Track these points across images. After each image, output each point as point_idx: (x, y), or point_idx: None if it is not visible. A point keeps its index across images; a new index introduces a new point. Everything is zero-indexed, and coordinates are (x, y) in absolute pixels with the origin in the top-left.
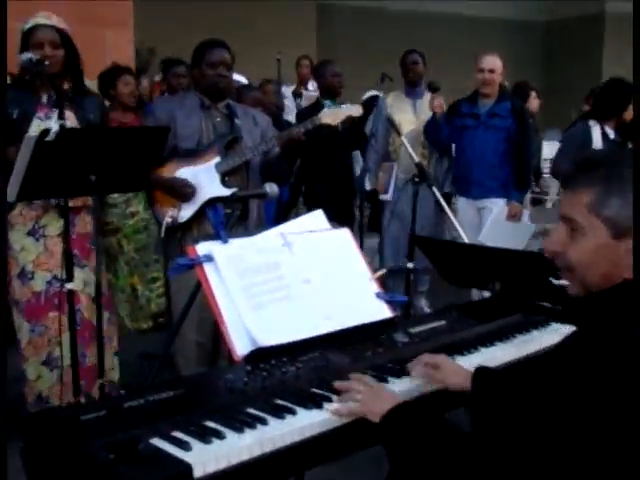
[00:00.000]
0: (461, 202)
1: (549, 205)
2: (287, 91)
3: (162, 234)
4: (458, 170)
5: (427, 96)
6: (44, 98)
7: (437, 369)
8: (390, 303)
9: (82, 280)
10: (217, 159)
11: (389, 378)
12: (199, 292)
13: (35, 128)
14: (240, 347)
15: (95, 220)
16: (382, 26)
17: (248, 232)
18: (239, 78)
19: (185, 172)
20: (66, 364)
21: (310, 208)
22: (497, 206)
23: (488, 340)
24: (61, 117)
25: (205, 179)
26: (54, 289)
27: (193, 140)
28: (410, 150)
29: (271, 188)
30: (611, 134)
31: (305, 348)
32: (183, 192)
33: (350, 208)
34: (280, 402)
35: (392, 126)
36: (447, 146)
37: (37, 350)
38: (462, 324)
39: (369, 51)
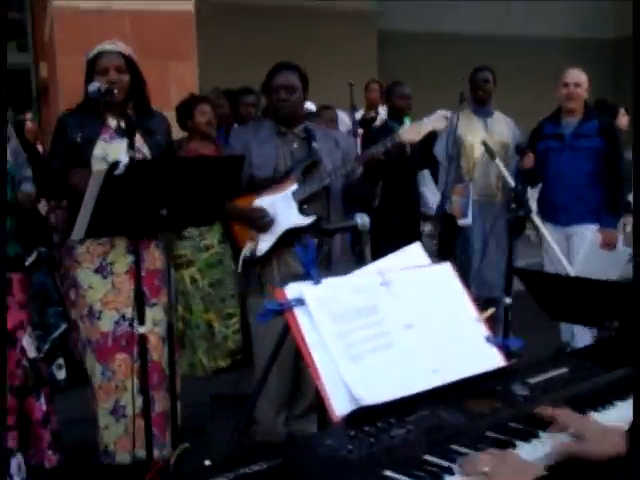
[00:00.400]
0: (548, 228)
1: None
2: (344, 116)
3: (239, 269)
4: (544, 195)
5: (497, 115)
6: (111, 122)
7: (579, 436)
8: (503, 348)
9: (151, 320)
10: (294, 186)
11: (517, 442)
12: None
13: (99, 150)
14: (339, 406)
15: (166, 255)
16: (443, 50)
17: (332, 266)
18: (309, 105)
19: (262, 202)
20: (131, 412)
21: (375, 236)
22: (588, 232)
23: (623, 392)
24: (131, 147)
25: (282, 208)
26: (122, 329)
27: (269, 168)
28: (506, 174)
29: (362, 220)
30: None
31: (412, 406)
32: (260, 223)
33: (418, 234)
34: (391, 474)
35: (487, 150)
36: (537, 174)
37: (107, 396)
38: (587, 372)
39: (430, 75)
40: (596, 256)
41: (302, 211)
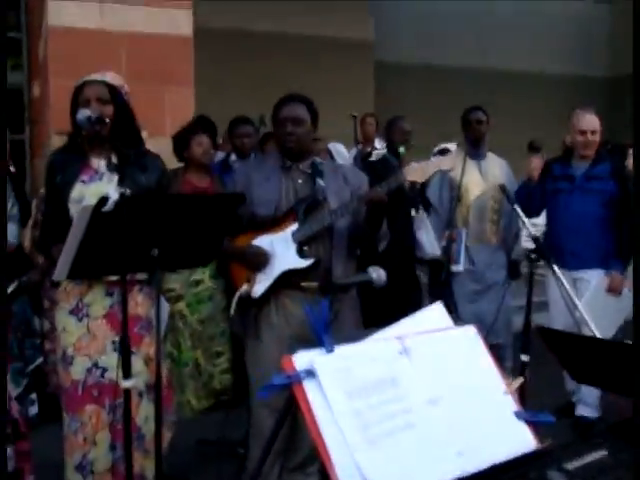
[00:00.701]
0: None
1: None
2: (342, 150)
3: (232, 310)
4: (550, 237)
5: (490, 157)
6: (93, 162)
7: None
8: (533, 424)
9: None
10: (294, 226)
11: None
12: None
13: (76, 193)
14: None
15: (156, 299)
16: (442, 82)
17: (339, 327)
18: None
19: (261, 241)
20: (102, 469)
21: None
22: (596, 278)
23: None
24: (121, 183)
25: (281, 249)
26: (93, 379)
27: (270, 206)
28: (526, 221)
29: (377, 274)
30: None
31: None
32: (255, 260)
33: (414, 276)
34: None
35: (505, 194)
36: (539, 212)
37: (72, 450)
38: (626, 455)
39: (428, 108)
40: (600, 300)
41: (301, 253)
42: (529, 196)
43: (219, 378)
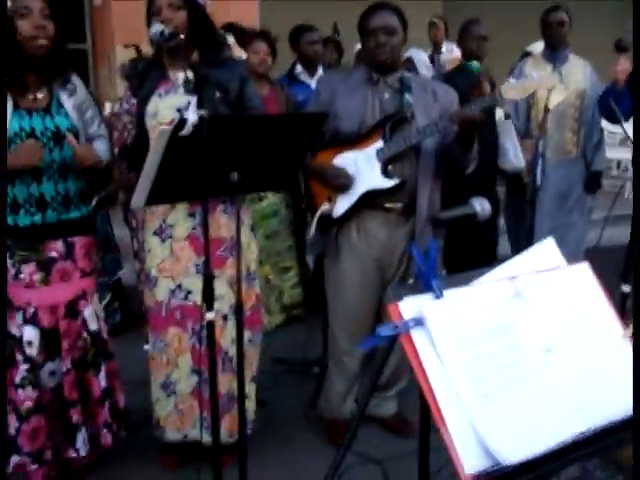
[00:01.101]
0: None
1: None
2: (422, 56)
3: (312, 230)
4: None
5: (573, 59)
6: (171, 74)
7: None
8: None
9: None
10: (379, 144)
11: None
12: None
13: (151, 107)
14: (470, 461)
15: (237, 222)
16: None
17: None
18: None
19: (343, 159)
20: (184, 391)
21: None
22: None
23: None
24: (200, 104)
25: (364, 167)
26: (177, 301)
27: (355, 121)
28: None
29: (482, 205)
30: None
31: (556, 459)
32: (336, 183)
33: (494, 191)
34: None
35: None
36: (627, 119)
37: (157, 369)
38: None
39: (498, 11)
40: None
41: (385, 173)
42: (617, 101)
43: (289, 293)
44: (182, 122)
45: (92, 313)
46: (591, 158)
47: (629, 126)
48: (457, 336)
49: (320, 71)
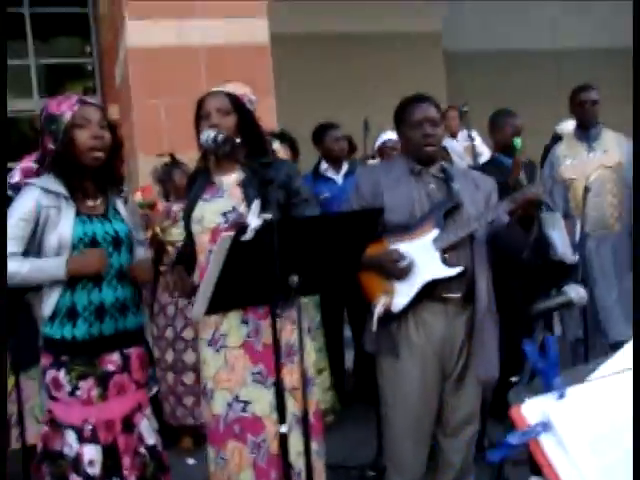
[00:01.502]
0: None
1: None
2: (454, 144)
3: (374, 327)
4: None
5: (606, 133)
6: (216, 178)
7: None
8: None
9: (269, 403)
10: (435, 232)
11: None
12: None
13: (197, 212)
14: None
15: (298, 326)
16: (506, 67)
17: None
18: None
19: (399, 249)
20: None
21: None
22: None
23: None
24: (264, 208)
25: (422, 257)
26: (234, 414)
27: (404, 212)
28: None
29: (577, 293)
30: None
31: None
32: (397, 267)
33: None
34: None
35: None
36: None
37: None
38: None
39: (498, 94)
40: None
41: (445, 261)
42: None
43: (323, 397)
44: (243, 228)
45: (147, 426)
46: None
47: None
48: (588, 438)
49: (346, 166)
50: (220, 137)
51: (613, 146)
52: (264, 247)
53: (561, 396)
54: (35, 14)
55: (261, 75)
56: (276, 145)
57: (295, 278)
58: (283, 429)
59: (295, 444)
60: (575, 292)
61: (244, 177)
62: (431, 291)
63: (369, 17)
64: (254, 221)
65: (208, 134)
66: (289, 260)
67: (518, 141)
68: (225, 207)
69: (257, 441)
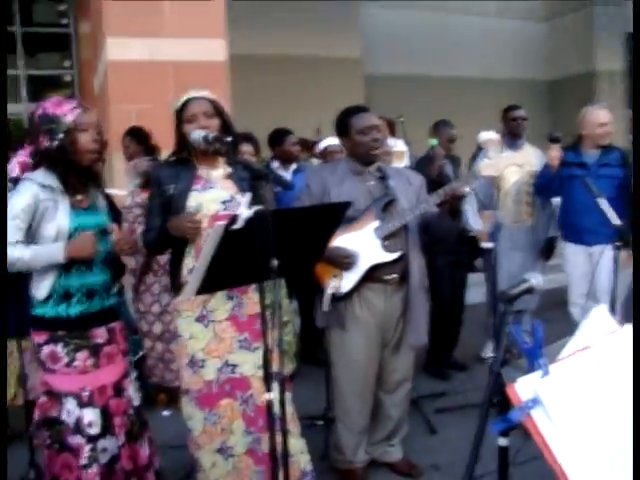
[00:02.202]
0: (571, 248)
1: None
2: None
3: (327, 307)
4: (568, 218)
5: (527, 146)
6: (202, 172)
7: None
8: None
9: (254, 364)
10: (375, 224)
11: None
12: None
13: (193, 202)
14: None
15: (274, 308)
16: (417, 91)
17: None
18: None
19: (343, 240)
20: (241, 451)
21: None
22: (609, 252)
23: None
24: (256, 201)
25: (365, 245)
26: (225, 375)
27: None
28: (610, 212)
29: (537, 280)
30: None
31: None
32: (344, 262)
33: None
34: None
35: (589, 189)
36: (557, 194)
37: (211, 439)
38: None
39: (412, 113)
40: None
41: (385, 247)
42: (550, 182)
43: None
44: (234, 217)
45: (134, 390)
46: (545, 226)
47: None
48: (570, 409)
49: (294, 165)
50: (211, 136)
51: (532, 156)
52: (251, 235)
53: (546, 373)
54: (25, 33)
55: (219, 87)
56: (246, 146)
57: (275, 261)
58: (268, 396)
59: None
60: (536, 280)
61: (232, 171)
62: (373, 273)
63: (305, 43)
64: (245, 212)
65: (199, 134)
66: (271, 246)
67: (434, 141)
68: (222, 196)
69: (245, 396)
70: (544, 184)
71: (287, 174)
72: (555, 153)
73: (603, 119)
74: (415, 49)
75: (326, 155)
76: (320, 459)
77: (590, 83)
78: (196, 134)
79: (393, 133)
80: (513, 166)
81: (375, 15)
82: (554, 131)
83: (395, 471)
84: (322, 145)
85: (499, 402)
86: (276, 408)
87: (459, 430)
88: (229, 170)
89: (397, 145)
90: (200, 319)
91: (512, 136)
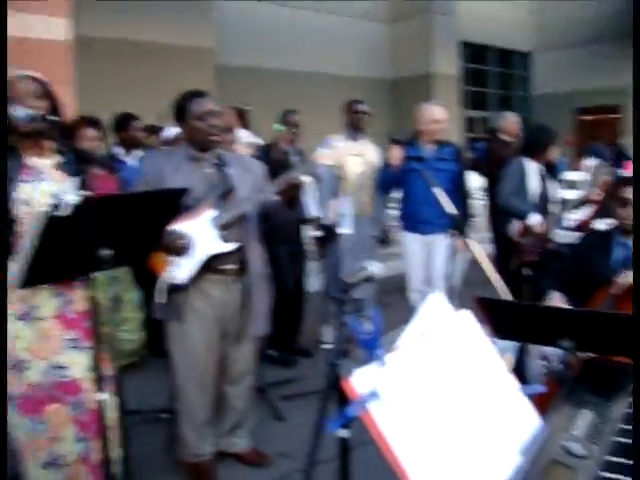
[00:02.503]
0: (409, 237)
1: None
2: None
3: (162, 298)
4: (407, 209)
5: (366, 142)
6: (32, 160)
7: None
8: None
9: (84, 365)
10: (212, 213)
11: None
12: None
13: (22, 193)
14: None
15: (91, 294)
16: (261, 83)
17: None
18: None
19: (179, 229)
20: (72, 460)
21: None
22: (444, 241)
23: None
24: (83, 186)
25: (201, 235)
26: (52, 379)
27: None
28: (447, 203)
29: (376, 267)
30: (542, 169)
31: None
32: (176, 245)
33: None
34: None
35: (427, 179)
36: (396, 190)
37: (38, 450)
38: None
39: (260, 108)
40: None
41: (222, 237)
42: (389, 179)
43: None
44: (57, 204)
45: None
46: (383, 217)
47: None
48: (406, 399)
49: (140, 152)
50: (37, 114)
51: (372, 151)
52: (79, 223)
53: (382, 364)
54: None
55: (60, 68)
56: (91, 131)
57: (105, 251)
58: (100, 397)
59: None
60: (375, 267)
61: (61, 159)
62: (211, 264)
63: (158, 29)
64: (70, 197)
65: (23, 111)
66: (97, 235)
67: (277, 125)
68: (53, 188)
69: (77, 400)
70: (385, 180)
71: (128, 159)
72: (396, 153)
73: (438, 116)
74: (268, 42)
75: (175, 143)
76: (166, 453)
77: (428, 84)
78: (19, 112)
79: (245, 124)
80: (353, 157)
81: (230, 6)
82: (395, 133)
83: (243, 461)
84: (170, 133)
85: (338, 394)
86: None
87: (306, 416)
88: (58, 159)
89: (247, 136)
90: (23, 317)
91: (353, 128)
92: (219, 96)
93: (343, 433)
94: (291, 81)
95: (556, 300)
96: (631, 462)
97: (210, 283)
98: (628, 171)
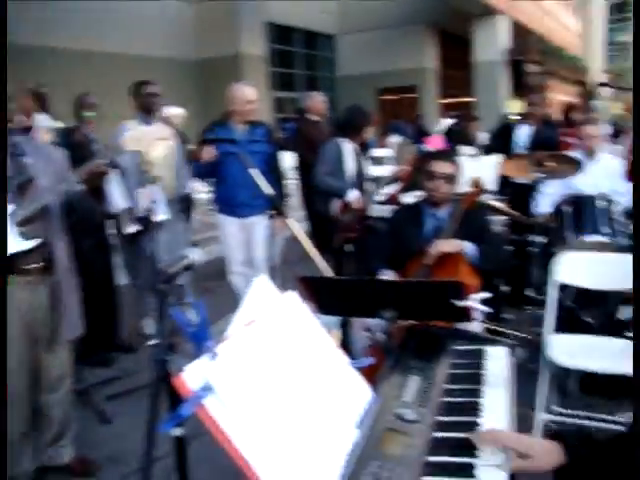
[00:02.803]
0: (227, 220)
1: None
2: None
3: None
4: (223, 192)
5: (160, 122)
6: None
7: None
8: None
9: None
10: (10, 207)
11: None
12: None
13: None
14: None
15: None
16: (57, 65)
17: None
18: None
19: None
20: None
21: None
22: (263, 222)
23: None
24: None
25: None
26: None
27: None
28: (263, 182)
29: (197, 254)
30: (357, 149)
31: None
32: None
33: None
34: None
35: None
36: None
37: None
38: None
39: (57, 90)
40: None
41: (22, 234)
42: (204, 169)
43: None
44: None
45: None
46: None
47: None
48: (242, 390)
49: None
50: None
51: (166, 132)
52: None
53: (214, 356)
54: None
55: None
56: None
57: None
58: None
59: None
60: (196, 254)
61: None
62: (12, 265)
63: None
64: None
65: None
66: None
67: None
68: None
69: None
70: (199, 172)
71: None
72: (207, 155)
73: (250, 96)
74: (65, 22)
75: None
76: None
77: (236, 65)
78: None
79: (44, 108)
80: (156, 140)
81: None
82: (205, 133)
83: (70, 472)
84: None
85: (169, 391)
86: None
87: (132, 416)
88: None
89: (45, 120)
90: None
91: (145, 112)
92: (11, 78)
93: (177, 432)
94: (90, 63)
95: (388, 277)
96: (459, 419)
97: (14, 285)
98: (430, 146)
